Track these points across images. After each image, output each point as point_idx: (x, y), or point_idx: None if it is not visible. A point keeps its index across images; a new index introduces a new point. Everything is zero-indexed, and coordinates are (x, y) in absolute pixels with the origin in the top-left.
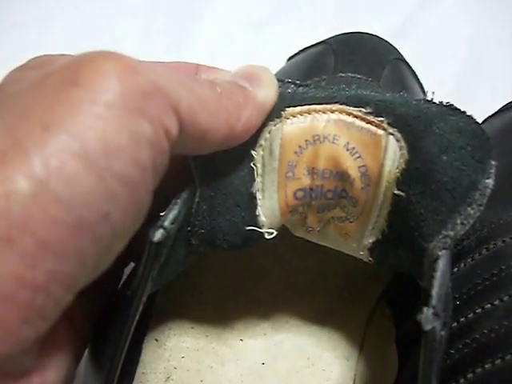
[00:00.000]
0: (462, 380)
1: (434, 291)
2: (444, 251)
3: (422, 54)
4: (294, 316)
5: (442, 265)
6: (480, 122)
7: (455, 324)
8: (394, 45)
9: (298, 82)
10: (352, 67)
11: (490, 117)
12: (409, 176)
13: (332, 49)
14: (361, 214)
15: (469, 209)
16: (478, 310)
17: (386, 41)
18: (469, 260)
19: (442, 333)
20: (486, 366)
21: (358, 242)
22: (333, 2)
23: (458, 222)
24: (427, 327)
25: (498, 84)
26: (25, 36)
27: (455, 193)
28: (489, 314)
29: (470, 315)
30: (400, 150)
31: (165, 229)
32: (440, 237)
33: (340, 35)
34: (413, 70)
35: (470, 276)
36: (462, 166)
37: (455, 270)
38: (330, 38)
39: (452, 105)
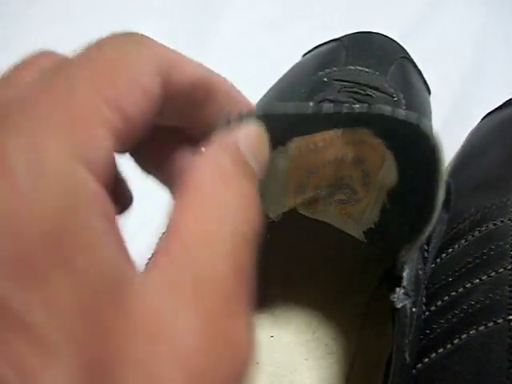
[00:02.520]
0: (448, 345)
1: (405, 273)
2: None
3: (429, 54)
4: (300, 296)
5: (411, 253)
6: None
7: (446, 298)
8: (403, 44)
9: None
10: (361, 61)
11: (490, 113)
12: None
13: (343, 45)
14: (360, 200)
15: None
16: (468, 285)
17: (394, 40)
18: (462, 241)
19: (414, 310)
20: (471, 332)
21: (355, 223)
22: (345, 3)
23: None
24: (399, 305)
25: (502, 83)
26: (50, 34)
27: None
28: (477, 288)
29: (460, 289)
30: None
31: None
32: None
33: (351, 34)
34: (418, 69)
35: (463, 255)
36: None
37: (450, 250)
38: (343, 36)
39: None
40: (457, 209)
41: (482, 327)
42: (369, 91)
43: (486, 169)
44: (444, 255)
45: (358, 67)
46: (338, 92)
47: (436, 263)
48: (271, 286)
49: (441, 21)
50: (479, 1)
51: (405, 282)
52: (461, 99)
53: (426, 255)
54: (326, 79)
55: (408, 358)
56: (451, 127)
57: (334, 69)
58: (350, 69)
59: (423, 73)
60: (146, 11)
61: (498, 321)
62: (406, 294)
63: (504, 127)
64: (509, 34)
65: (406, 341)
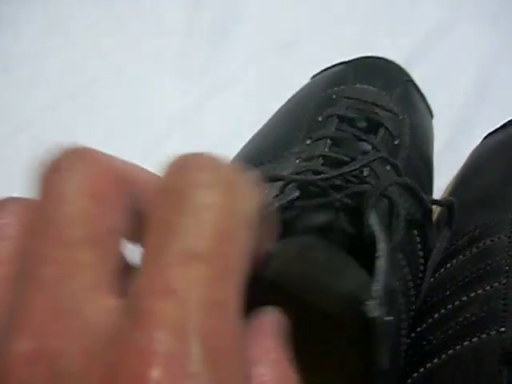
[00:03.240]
0: (443, 356)
1: (375, 285)
2: (381, 253)
3: (435, 75)
4: None
5: (381, 262)
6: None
7: (443, 311)
8: (410, 65)
9: None
10: (368, 81)
11: (490, 133)
12: None
13: (352, 66)
14: None
15: None
16: (464, 298)
17: (399, 65)
18: (460, 257)
19: (389, 319)
20: (465, 343)
21: None
22: (355, 27)
23: None
24: (372, 315)
25: (506, 105)
26: (70, 54)
27: None
28: (472, 302)
29: (457, 303)
30: None
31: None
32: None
33: (360, 57)
34: (422, 93)
35: (461, 270)
36: None
37: (448, 265)
38: (351, 59)
39: None
40: (457, 226)
41: (476, 338)
42: (375, 109)
43: (486, 187)
44: (442, 270)
45: (366, 86)
46: (346, 109)
47: (435, 278)
48: None
49: (447, 43)
50: (488, 23)
51: (375, 293)
52: (465, 120)
53: (421, 269)
54: (334, 96)
55: (386, 366)
56: (455, 147)
57: (343, 87)
58: (358, 87)
59: (429, 93)
60: (161, 31)
61: (491, 333)
62: (377, 303)
63: (503, 147)
64: None
65: (383, 347)
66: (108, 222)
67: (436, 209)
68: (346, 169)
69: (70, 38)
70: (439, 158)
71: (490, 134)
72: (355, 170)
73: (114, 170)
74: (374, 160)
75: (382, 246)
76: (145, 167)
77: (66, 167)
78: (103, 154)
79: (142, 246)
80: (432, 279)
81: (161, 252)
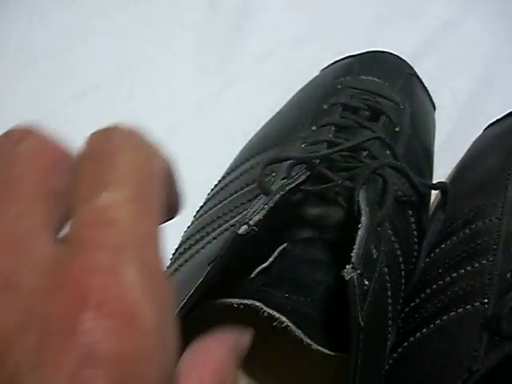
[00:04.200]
0: (431, 326)
1: (354, 252)
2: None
3: (440, 69)
4: None
5: (360, 233)
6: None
7: (434, 286)
8: (416, 60)
9: None
10: (372, 73)
11: (490, 124)
12: None
13: (358, 59)
14: None
15: None
16: (454, 275)
17: (404, 59)
18: (454, 238)
19: (366, 282)
20: (451, 313)
21: None
22: (363, 22)
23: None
24: (347, 277)
25: (508, 99)
26: (94, 47)
27: None
28: (461, 277)
29: (447, 279)
30: None
31: (249, 225)
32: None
33: (366, 51)
34: (425, 86)
35: (454, 250)
36: None
37: (442, 246)
38: (358, 53)
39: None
40: (452, 210)
41: (461, 310)
42: (378, 99)
43: (482, 175)
44: (437, 250)
45: (370, 77)
46: (351, 98)
47: (430, 257)
48: None
49: (453, 39)
50: (494, 21)
51: (353, 259)
52: (468, 112)
53: (395, 242)
54: (339, 86)
55: (362, 323)
56: (457, 138)
57: (348, 78)
58: (362, 78)
59: (434, 86)
60: (180, 27)
61: (475, 304)
62: (353, 267)
63: (501, 137)
64: None
65: (359, 307)
66: (57, 181)
67: (436, 197)
68: (345, 145)
69: (95, 32)
70: (442, 148)
71: (491, 124)
72: (352, 146)
73: (62, 145)
74: (370, 139)
75: (363, 219)
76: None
77: (19, 137)
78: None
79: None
80: (427, 259)
81: (95, 193)
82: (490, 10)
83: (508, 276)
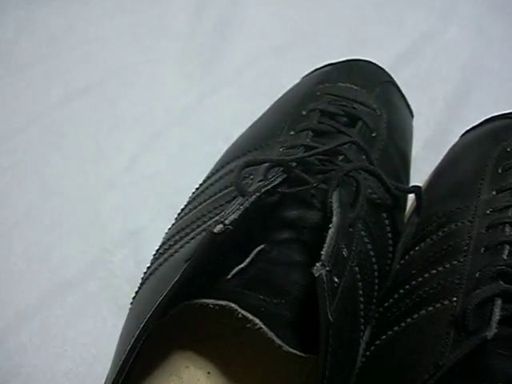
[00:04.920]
0: (402, 324)
1: (324, 250)
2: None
3: (419, 78)
4: None
5: (331, 232)
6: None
7: (407, 287)
8: (396, 68)
9: None
10: (350, 80)
11: (466, 131)
12: None
13: (337, 67)
14: None
15: None
16: (426, 275)
17: (382, 67)
18: (428, 240)
19: (336, 280)
20: (422, 312)
21: None
22: (345, 32)
23: None
24: (317, 274)
25: (485, 107)
26: (85, 52)
27: None
28: (433, 277)
29: (420, 279)
30: None
31: (224, 224)
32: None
33: (346, 59)
34: (403, 94)
35: (427, 252)
36: None
37: (417, 248)
38: (338, 61)
39: None
40: (427, 214)
41: (431, 308)
42: (355, 105)
43: (456, 180)
44: (412, 252)
45: (348, 84)
46: (328, 103)
47: (405, 259)
48: None
49: (432, 50)
50: (471, 32)
51: (322, 257)
52: (445, 120)
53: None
54: (318, 93)
55: (331, 319)
56: (434, 145)
57: (327, 85)
58: (340, 85)
59: (412, 95)
60: (165, 35)
61: (445, 302)
62: (322, 265)
63: (475, 144)
64: (495, 64)
65: (328, 303)
66: None
67: (412, 202)
68: (320, 149)
69: (82, 39)
70: (419, 154)
71: (467, 130)
72: (328, 150)
73: None
74: (346, 143)
75: (334, 219)
76: (145, 157)
77: None
78: None
79: None
80: (402, 261)
81: None
82: (469, 22)
83: (477, 275)
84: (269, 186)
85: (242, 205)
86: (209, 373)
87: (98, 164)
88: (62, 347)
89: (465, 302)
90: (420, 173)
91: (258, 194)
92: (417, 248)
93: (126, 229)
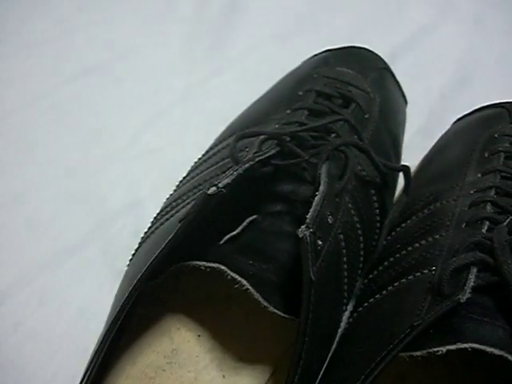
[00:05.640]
0: (384, 292)
1: (309, 214)
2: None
3: (416, 69)
4: None
5: (317, 198)
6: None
7: (392, 259)
8: (394, 58)
9: None
10: (347, 65)
11: (458, 119)
12: None
13: (335, 53)
14: None
15: None
16: (409, 248)
17: (378, 55)
18: (414, 218)
19: (319, 243)
20: (402, 280)
21: None
22: (346, 22)
23: None
24: (301, 235)
25: (479, 98)
26: (95, 33)
27: None
28: (416, 250)
29: (404, 252)
30: None
31: (217, 187)
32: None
33: (344, 46)
34: (397, 81)
35: (412, 228)
36: None
37: (403, 225)
38: (337, 47)
39: None
40: (415, 195)
41: (411, 277)
42: (349, 88)
43: (445, 164)
44: (398, 229)
45: (344, 69)
46: (324, 85)
47: (391, 235)
48: None
49: (430, 42)
50: (468, 27)
51: (307, 220)
52: (439, 109)
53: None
54: (316, 75)
55: (313, 278)
56: (427, 132)
57: (324, 68)
58: (337, 69)
59: (408, 84)
60: (172, 19)
61: (425, 271)
62: (307, 227)
63: (465, 131)
64: (491, 58)
65: (310, 263)
66: None
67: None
68: (313, 124)
69: (90, 20)
70: (412, 140)
71: (459, 118)
72: (320, 125)
73: None
74: (336, 120)
75: (321, 187)
76: (148, 134)
77: None
78: None
79: None
80: (389, 237)
81: None
82: (466, 17)
83: (456, 247)
84: (262, 157)
85: (235, 171)
86: (199, 335)
87: (102, 139)
88: (58, 310)
89: (442, 270)
90: (412, 159)
91: (251, 163)
92: (403, 225)
93: (125, 200)
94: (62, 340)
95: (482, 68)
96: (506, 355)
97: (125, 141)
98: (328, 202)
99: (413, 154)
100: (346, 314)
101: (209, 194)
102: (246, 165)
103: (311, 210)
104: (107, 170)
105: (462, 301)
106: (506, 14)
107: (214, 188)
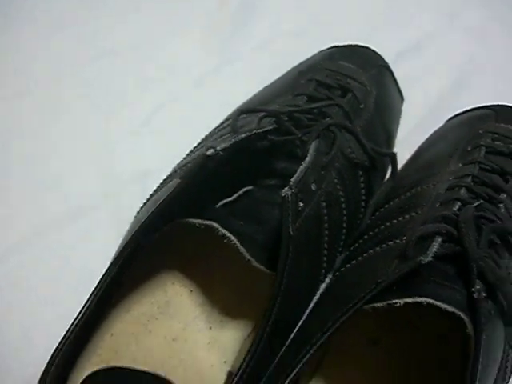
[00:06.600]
0: (359, 258)
1: (293, 178)
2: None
3: (417, 71)
4: None
5: (302, 166)
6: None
7: (371, 233)
8: (397, 61)
9: None
10: (349, 60)
11: (455, 115)
12: None
13: (340, 49)
14: None
15: None
16: (388, 224)
17: (380, 54)
18: (397, 200)
19: (301, 204)
20: (377, 248)
21: None
22: (356, 22)
23: None
24: (283, 194)
25: (474, 103)
26: (121, 20)
27: None
28: (393, 225)
29: (382, 227)
30: None
31: (215, 149)
32: None
33: (348, 44)
34: (395, 78)
35: (394, 208)
36: None
37: (386, 206)
38: (343, 44)
39: None
40: (401, 182)
41: (384, 245)
42: (348, 80)
43: (431, 156)
44: (382, 209)
45: (346, 63)
46: (326, 76)
47: (375, 215)
48: None
49: (434, 48)
50: (472, 38)
51: (291, 183)
52: (435, 109)
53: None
54: (319, 67)
55: (292, 232)
56: (423, 130)
57: (327, 61)
58: (339, 63)
59: (408, 84)
60: (192, 12)
61: (397, 241)
62: (289, 188)
63: (454, 128)
64: (491, 68)
65: (290, 220)
66: None
67: None
68: (303, 106)
69: (116, 7)
70: (408, 137)
71: (451, 117)
72: (315, 107)
73: None
74: (330, 105)
75: (307, 159)
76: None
77: None
78: None
79: None
80: (373, 217)
81: None
82: (471, 28)
83: (426, 219)
84: (260, 130)
85: (233, 138)
86: (191, 291)
87: (120, 114)
88: (66, 266)
89: (409, 237)
90: (407, 152)
91: (248, 133)
92: (386, 206)
93: (137, 170)
94: (68, 293)
95: (481, 76)
96: (459, 313)
97: (141, 118)
98: (313, 171)
99: (407, 148)
100: (323, 286)
101: (207, 155)
102: (244, 135)
103: (295, 175)
104: (122, 143)
105: (423, 262)
106: (510, 28)
107: (212, 150)
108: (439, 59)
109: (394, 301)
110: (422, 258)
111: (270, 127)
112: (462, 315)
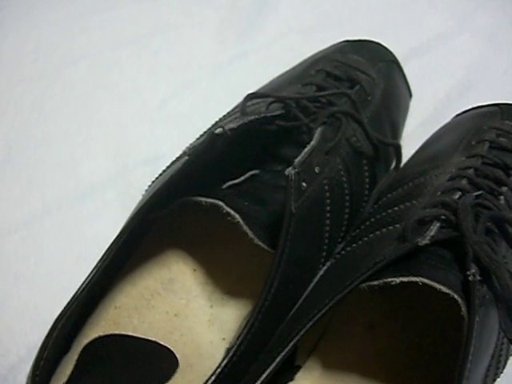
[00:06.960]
0: (359, 242)
1: (297, 160)
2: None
3: (427, 69)
4: None
5: (306, 149)
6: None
7: (373, 219)
8: (407, 59)
9: None
10: (359, 54)
11: (462, 112)
12: None
13: (351, 43)
14: None
15: None
16: (389, 211)
17: (389, 49)
18: (399, 189)
19: (304, 184)
20: (377, 232)
21: None
22: (368, 22)
23: None
24: (287, 173)
25: (481, 102)
26: (138, 11)
27: None
28: (393, 212)
29: (384, 213)
30: None
31: (223, 128)
32: None
33: (359, 39)
34: (403, 73)
35: (396, 196)
36: None
37: (389, 195)
38: (354, 39)
39: None
40: (405, 173)
41: (384, 229)
42: (357, 72)
43: (436, 149)
44: (384, 198)
45: (355, 56)
46: (335, 67)
47: (378, 204)
48: None
49: (444, 49)
50: (482, 39)
51: (295, 163)
52: (443, 107)
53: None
54: (329, 58)
55: (294, 210)
56: (429, 125)
57: (338, 55)
58: (349, 56)
59: (417, 81)
60: (212, 5)
61: (396, 226)
62: (293, 168)
63: (459, 123)
64: (500, 68)
65: (292, 198)
66: None
67: None
68: (310, 94)
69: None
70: (414, 132)
71: (458, 114)
72: (320, 95)
73: None
74: (337, 93)
75: (312, 142)
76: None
77: None
78: None
79: None
80: (375, 205)
81: None
82: (482, 30)
83: (428, 208)
84: (268, 114)
85: (241, 119)
86: (195, 270)
87: (134, 100)
88: (76, 241)
89: (408, 220)
90: (412, 148)
91: (256, 116)
92: (389, 195)
93: (148, 154)
94: (75, 264)
95: (490, 77)
96: (453, 294)
97: (153, 104)
98: (317, 155)
99: (413, 143)
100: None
101: (215, 134)
102: (252, 117)
103: (299, 156)
104: (135, 127)
105: (420, 244)
106: None
107: (220, 129)
108: (449, 59)
109: (389, 279)
110: (419, 239)
111: (278, 112)
112: (456, 296)
